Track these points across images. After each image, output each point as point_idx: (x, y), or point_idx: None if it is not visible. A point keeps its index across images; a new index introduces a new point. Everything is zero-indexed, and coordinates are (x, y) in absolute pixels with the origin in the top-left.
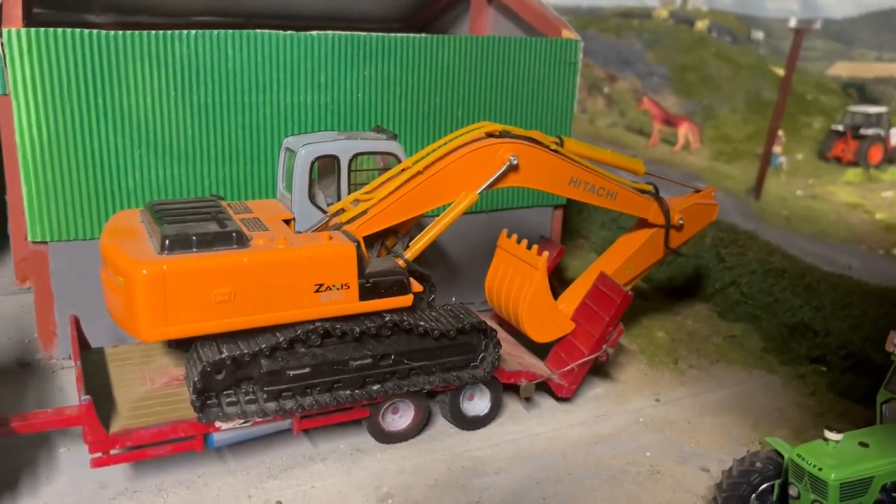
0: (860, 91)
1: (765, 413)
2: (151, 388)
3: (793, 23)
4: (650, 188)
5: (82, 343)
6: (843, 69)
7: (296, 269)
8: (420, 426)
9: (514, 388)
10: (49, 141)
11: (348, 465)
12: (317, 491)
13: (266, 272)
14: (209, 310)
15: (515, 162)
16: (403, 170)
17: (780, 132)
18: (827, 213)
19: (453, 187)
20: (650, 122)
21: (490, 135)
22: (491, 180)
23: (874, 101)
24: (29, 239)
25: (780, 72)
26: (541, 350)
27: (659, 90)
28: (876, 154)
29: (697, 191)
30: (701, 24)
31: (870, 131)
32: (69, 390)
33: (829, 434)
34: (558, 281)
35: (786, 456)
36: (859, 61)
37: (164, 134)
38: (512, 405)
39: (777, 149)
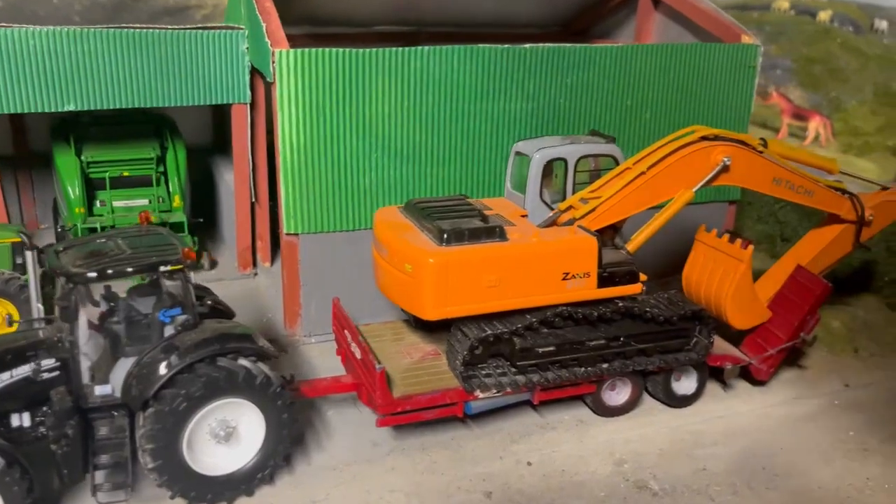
0: None
1: None
2: (411, 361)
3: None
4: (843, 185)
5: (340, 321)
6: None
7: (548, 259)
8: (635, 402)
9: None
10: (305, 146)
11: (577, 434)
12: (558, 455)
13: (525, 261)
14: (479, 293)
15: (728, 163)
16: (625, 170)
17: None
18: None
19: (673, 186)
20: (774, 115)
21: (704, 138)
22: (706, 179)
23: None
24: (284, 231)
25: None
26: (728, 337)
27: (783, 83)
28: None
29: (884, 188)
30: (824, 15)
31: None
32: (316, 363)
33: None
34: None
35: None
36: None
37: (396, 138)
38: (708, 386)
39: None
